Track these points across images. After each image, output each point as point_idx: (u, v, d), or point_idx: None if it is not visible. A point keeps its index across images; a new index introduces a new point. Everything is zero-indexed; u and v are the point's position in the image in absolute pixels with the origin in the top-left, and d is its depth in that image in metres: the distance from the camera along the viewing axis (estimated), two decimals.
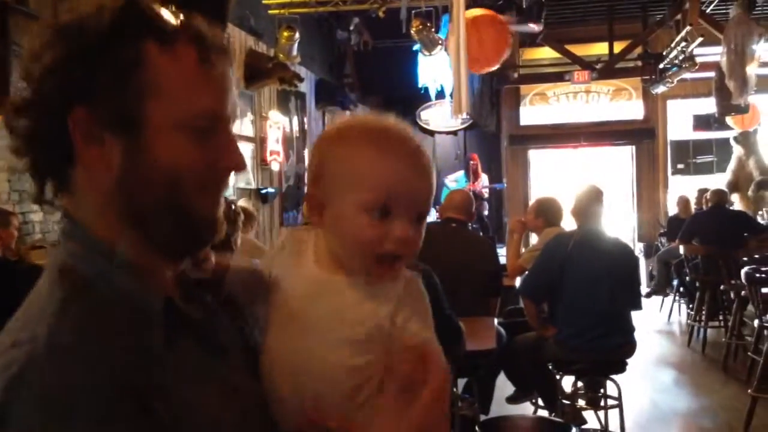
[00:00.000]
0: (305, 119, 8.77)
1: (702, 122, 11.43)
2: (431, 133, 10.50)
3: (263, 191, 7.42)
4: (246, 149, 7.05)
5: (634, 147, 12.59)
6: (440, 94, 9.38)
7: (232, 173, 0.89)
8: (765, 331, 4.89)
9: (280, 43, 6.97)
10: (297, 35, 6.93)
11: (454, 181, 10.56)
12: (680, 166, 12.45)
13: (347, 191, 0.89)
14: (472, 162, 10.48)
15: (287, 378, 0.89)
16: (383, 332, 0.88)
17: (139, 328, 0.79)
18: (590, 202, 4.02)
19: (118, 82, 0.79)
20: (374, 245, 0.89)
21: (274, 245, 1.01)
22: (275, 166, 7.83)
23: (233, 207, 3.29)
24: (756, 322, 5.13)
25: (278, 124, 7.79)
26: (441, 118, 10.20)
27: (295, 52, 7.09)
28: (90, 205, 0.84)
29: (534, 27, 7.46)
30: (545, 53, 11.71)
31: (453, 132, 11.52)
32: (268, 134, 7.59)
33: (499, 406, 4.49)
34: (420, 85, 9.20)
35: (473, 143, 11.91)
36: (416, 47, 7.43)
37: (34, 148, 0.82)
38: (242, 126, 7.08)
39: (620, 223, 12.67)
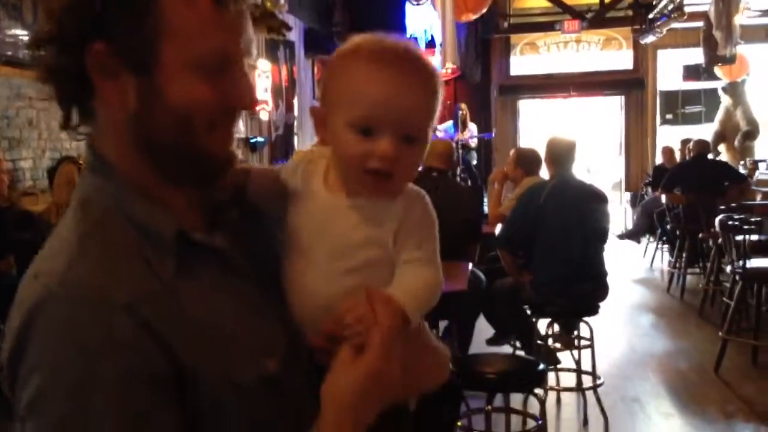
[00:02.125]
0: (294, 68, 8.76)
1: (692, 72, 11.45)
2: None
3: (252, 140, 7.47)
4: None
5: (623, 97, 12.62)
6: (430, 44, 9.36)
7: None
8: (737, 277, 5.05)
9: None
10: None
11: (443, 130, 10.61)
12: (669, 116, 12.51)
13: (338, 107, 0.92)
14: (461, 112, 10.51)
15: (297, 306, 0.94)
16: (382, 256, 0.92)
17: (151, 260, 0.83)
18: (563, 151, 4.11)
19: (133, 20, 0.82)
20: (360, 161, 0.90)
21: (288, 167, 1.02)
22: (264, 116, 7.86)
23: None
24: (729, 269, 5.30)
25: (267, 73, 7.79)
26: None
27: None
28: (109, 138, 0.88)
29: None
30: (536, 2, 11.66)
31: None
32: (256, 83, 7.60)
33: (480, 348, 4.66)
34: (408, 35, 9.19)
35: (463, 93, 11.92)
36: None
37: (57, 79, 0.86)
38: None
39: (609, 173, 12.81)
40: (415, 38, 9.27)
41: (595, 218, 3.97)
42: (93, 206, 0.86)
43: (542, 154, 4.43)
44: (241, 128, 7.31)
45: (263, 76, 7.75)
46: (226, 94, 0.87)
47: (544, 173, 4.78)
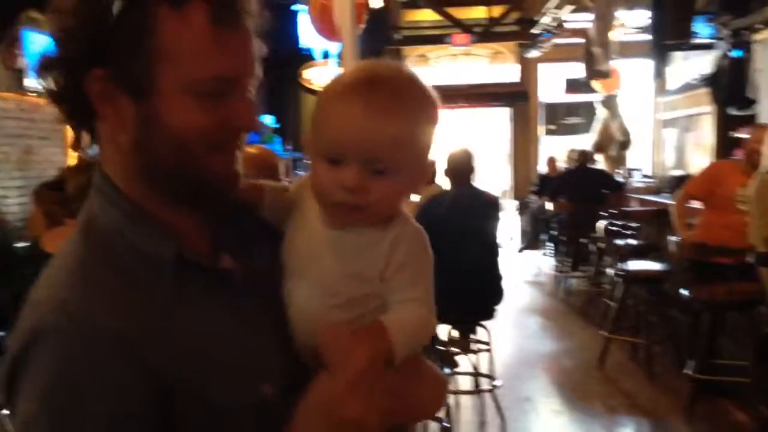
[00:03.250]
0: None
1: (573, 85, 12.08)
2: (313, 92, 10.53)
3: None
4: None
5: (510, 108, 13.14)
6: (325, 56, 9.40)
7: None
8: (618, 279, 5.39)
9: None
10: None
11: None
12: (552, 127, 13.14)
13: (313, 136, 0.91)
14: None
15: (294, 329, 0.93)
16: (368, 292, 0.91)
17: (150, 284, 0.83)
18: (462, 164, 4.26)
19: (130, 47, 0.81)
20: (328, 193, 0.89)
21: (296, 185, 1.01)
22: None
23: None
24: (611, 271, 5.63)
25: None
26: (325, 77, 10.23)
27: None
28: (113, 160, 0.88)
29: None
30: (426, 15, 11.95)
31: None
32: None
33: None
34: (301, 46, 9.18)
35: None
36: (296, 6, 7.41)
37: (63, 102, 0.87)
38: None
39: (497, 182, 13.27)
40: (308, 49, 9.28)
41: (492, 225, 4.13)
42: (96, 229, 0.87)
43: (441, 166, 4.57)
44: None
45: None
46: (228, 117, 0.86)
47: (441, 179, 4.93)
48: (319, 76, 10.13)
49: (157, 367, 0.79)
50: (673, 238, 4.60)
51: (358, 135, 0.87)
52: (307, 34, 9.19)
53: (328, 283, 0.91)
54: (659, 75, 8.49)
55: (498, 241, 4.22)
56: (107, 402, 0.77)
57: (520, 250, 10.44)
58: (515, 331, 6.48)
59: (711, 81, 8.40)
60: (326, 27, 5.08)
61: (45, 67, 0.85)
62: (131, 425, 0.78)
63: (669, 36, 7.91)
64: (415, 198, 5.52)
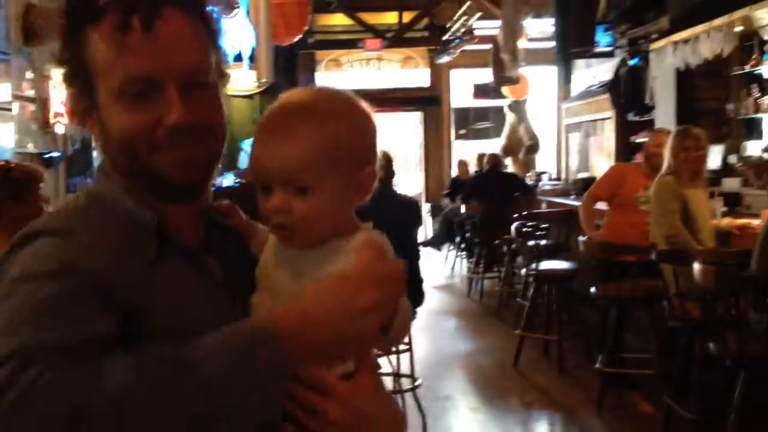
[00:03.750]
0: None
1: (481, 91, 12.40)
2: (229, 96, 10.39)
3: (46, 156, 6.97)
4: (25, 111, 6.58)
5: (422, 113, 13.35)
6: (238, 58, 9.27)
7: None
8: (530, 279, 5.57)
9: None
10: None
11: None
12: (462, 131, 13.44)
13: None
14: None
15: None
16: None
17: (136, 241, 0.91)
18: (380, 167, 4.31)
19: (76, 63, 0.93)
20: (266, 218, 0.95)
21: None
22: (60, 129, 7.36)
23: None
24: (523, 271, 5.82)
25: (63, 84, 7.33)
26: (237, 81, 10.10)
27: None
28: (105, 161, 1.00)
29: None
30: (339, 20, 11.99)
31: (249, 96, 11.48)
32: (50, 95, 7.11)
33: None
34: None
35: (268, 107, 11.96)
36: (211, 9, 7.29)
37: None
38: (22, 85, 6.58)
39: (410, 186, 13.44)
40: (222, 51, 9.12)
41: (412, 228, 4.20)
42: (97, 192, 0.98)
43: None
44: (30, 145, 6.79)
45: (60, 87, 7.27)
46: (158, 115, 0.91)
47: None
48: (236, 79, 9.99)
49: (131, 307, 0.83)
50: (581, 238, 4.81)
51: (270, 159, 0.91)
52: (224, 38, 9.04)
53: (281, 295, 0.93)
54: (565, 82, 8.84)
55: (418, 243, 4.30)
56: (65, 282, 0.80)
57: (423, 245, 10.65)
58: (433, 332, 6.60)
59: (611, 88, 8.83)
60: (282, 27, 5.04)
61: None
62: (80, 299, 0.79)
63: (573, 44, 8.27)
64: None
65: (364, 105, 0.98)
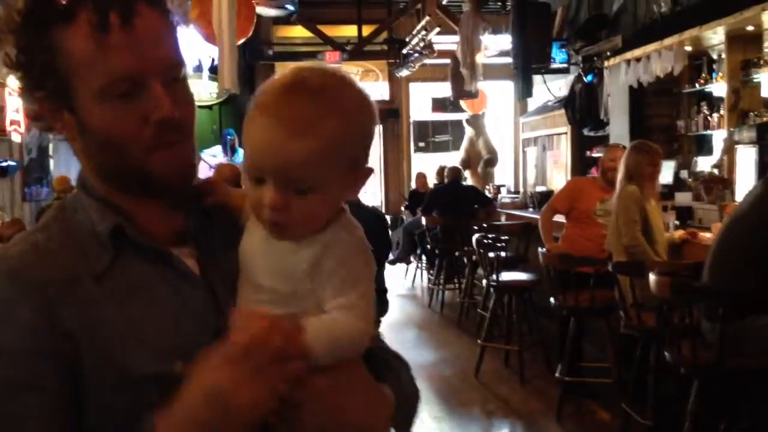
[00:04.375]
0: None
1: (439, 104, 12.56)
2: None
3: (2, 164, 6.85)
4: None
5: (381, 126, 13.43)
6: (198, 68, 9.22)
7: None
8: (491, 290, 5.67)
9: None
10: None
11: (213, 155, 10.52)
12: (421, 144, 13.56)
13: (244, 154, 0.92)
14: (230, 137, 10.52)
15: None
16: (297, 291, 0.88)
17: (89, 254, 0.91)
18: None
19: (48, 68, 0.89)
20: (256, 210, 0.89)
21: None
22: (16, 137, 7.24)
23: None
24: (484, 282, 5.92)
25: (21, 89, 7.21)
26: (197, 92, 10.05)
27: None
28: (81, 163, 0.98)
29: (289, 7, 7.70)
30: (299, 32, 12.02)
31: (208, 106, 11.44)
32: (6, 102, 6.99)
33: None
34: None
35: (228, 118, 11.91)
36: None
37: (37, 120, 0.97)
38: None
39: (370, 197, 13.50)
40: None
41: (379, 240, 4.25)
42: (66, 208, 0.97)
43: None
44: None
45: (15, 94, 7.15)
46: (145, 112, 0.89)
47: None
48: (196, 91, 9.91)
49: (71, 327, 0.85)
50: (541, 250, 4.92)
51: (272, 156, 0.84)
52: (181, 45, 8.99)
53: (258, 278, 0.91)
54: (523, 96, 9.01)
55: (383, 255, 4.36)
56: (5, 335, 0.84)
57: (392, 263, 10.70)
58: (395, 343, 6.54)
59: (566, 103, 9.03)
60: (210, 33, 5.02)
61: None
62: (27, 361, 0.84)
63: (530, 60, 8.44)
64: None
65: (370, 96, 0.92)
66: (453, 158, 11.77)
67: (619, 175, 4.39)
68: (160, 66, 0.90)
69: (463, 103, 11.36)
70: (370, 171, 0.94)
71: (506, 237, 6.08)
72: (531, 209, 7.91)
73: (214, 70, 7.05)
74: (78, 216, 0.94)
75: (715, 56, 6.72)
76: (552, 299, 4.63)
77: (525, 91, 8.44)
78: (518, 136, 12.23)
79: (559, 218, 5.23)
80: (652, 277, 3.30)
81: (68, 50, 0.88)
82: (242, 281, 0.95)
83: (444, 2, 10.50)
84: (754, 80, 6.10)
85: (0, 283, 0.87)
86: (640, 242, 4.17)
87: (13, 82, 7.13)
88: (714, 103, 6.88)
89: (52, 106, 0.91)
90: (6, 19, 0.89)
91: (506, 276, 5.53)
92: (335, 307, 0.87)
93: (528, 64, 8.40)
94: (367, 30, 11.50)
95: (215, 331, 0.89)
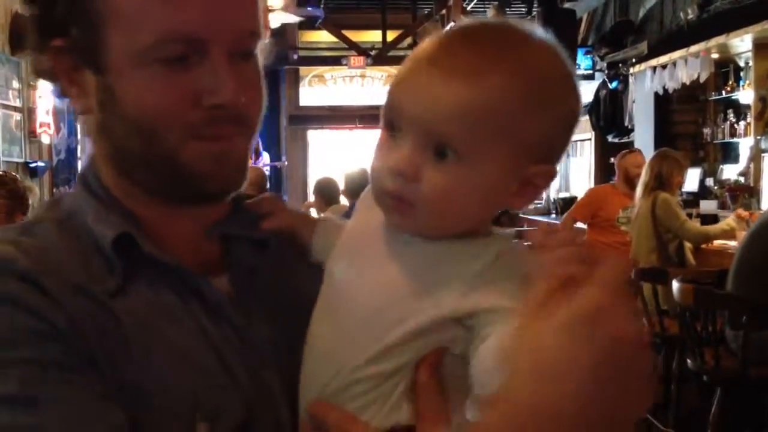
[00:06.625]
0: None
1: None
2: None
3: (32, 165, 6.99)
4: (10, 120, 6.61)
5: None
6: None
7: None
8: None
9: None
10: None
11: None
12: None
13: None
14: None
15: (305, 380, 0.70)
16: (436, 327, 0.63)
17: (89, 263, 0.69)
18: (359, 182, 4.43)
19: (73, 6, 0.67)
20: (375, 177, 0.66)
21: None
22: (45, 139, 7.39)
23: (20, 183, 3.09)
24: None
25: (49, 94, 7.36)
26: None
27: None
28: (95, 148, 0.75)
29: (315, 11, 7.78)
30: (324, 37, 12.11)
31: None
32: (37, 104, 7.14)
33: None
34: None
35: None
36: None
37: (53, 79, 0.74)
38: (9, 95, 6.61)
39: None
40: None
41: None
42: (57, 205, 0.75)
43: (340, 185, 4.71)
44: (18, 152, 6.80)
45: (45, 97, 7.30)
46: (198, 91, 0.67)
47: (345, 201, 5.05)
48: None
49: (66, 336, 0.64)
50: None
51: (416, 95, 0.62)
52: None
53: (372, 318, 0.65)
54: None
55: None
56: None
57: None
58: None
59: (591, 110, 9.00)
60: None
61: (24, 45, 0.73)
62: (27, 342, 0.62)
63: None
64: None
65: (577, 81, 0.67)
66: None
67: (643, 181, 4.37)
68: (230, 32, 0.68)
69: None
70: (551, 172, 0.66)
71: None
72: (554, 215, 7.89)
73: None
74: (76, 219, 0.72)
75: (742, 64, 6.68)
76: None
77: None
78: None
79: (580, 224, 5.20)
80: (675, 284, 3.29)
81: None
82: (327, 311, 0.70)
83: (468, 8, 10.52)
84: None
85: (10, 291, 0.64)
86: (707, 231, 4.29)
87: (43, 85, 7.28)
88: (741, 110, 6.83)
89: (71, 61, 0.69)
90: None
91: None
92: None
93: None
94: (391, 35, 11.55)
95: (250, 384, 0.70)
